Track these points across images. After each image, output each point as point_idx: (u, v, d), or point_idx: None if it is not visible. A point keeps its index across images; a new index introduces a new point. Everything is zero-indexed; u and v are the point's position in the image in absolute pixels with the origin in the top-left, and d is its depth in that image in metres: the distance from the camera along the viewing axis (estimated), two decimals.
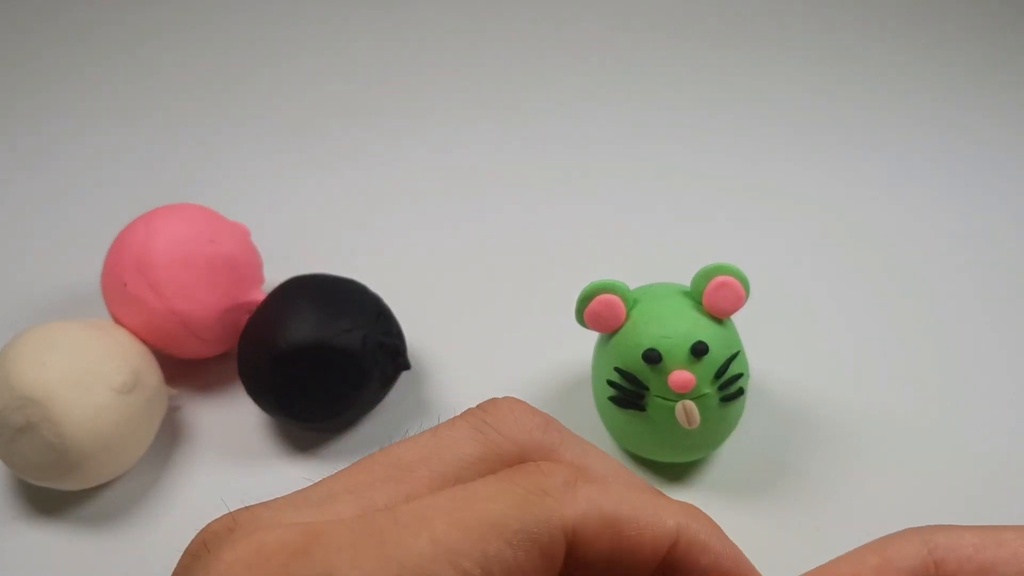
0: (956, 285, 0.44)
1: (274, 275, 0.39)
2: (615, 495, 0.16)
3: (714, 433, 0.33)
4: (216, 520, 0.16)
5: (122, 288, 0.35)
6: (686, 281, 0.33)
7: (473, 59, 0.62)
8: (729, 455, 0.36)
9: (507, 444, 0.18)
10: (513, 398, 0.19)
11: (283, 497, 0.16)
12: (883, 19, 0.67)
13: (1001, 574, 0.16)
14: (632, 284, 0.33)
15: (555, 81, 0.60)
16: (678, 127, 0.56)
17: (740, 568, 0.18)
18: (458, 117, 0.56)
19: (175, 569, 0.15)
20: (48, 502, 0.34)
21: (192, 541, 0.15)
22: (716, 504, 0.34)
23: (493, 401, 0.19)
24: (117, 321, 0.36)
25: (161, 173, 0.52)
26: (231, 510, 0.16)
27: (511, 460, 0.18)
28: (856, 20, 0.67)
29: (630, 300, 0.32)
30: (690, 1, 0.68)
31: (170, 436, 0.37)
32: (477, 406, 0.19)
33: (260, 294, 0.37)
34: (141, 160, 0.53)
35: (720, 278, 0.32)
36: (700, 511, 0.18)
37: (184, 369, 0.38)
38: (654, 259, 0.45)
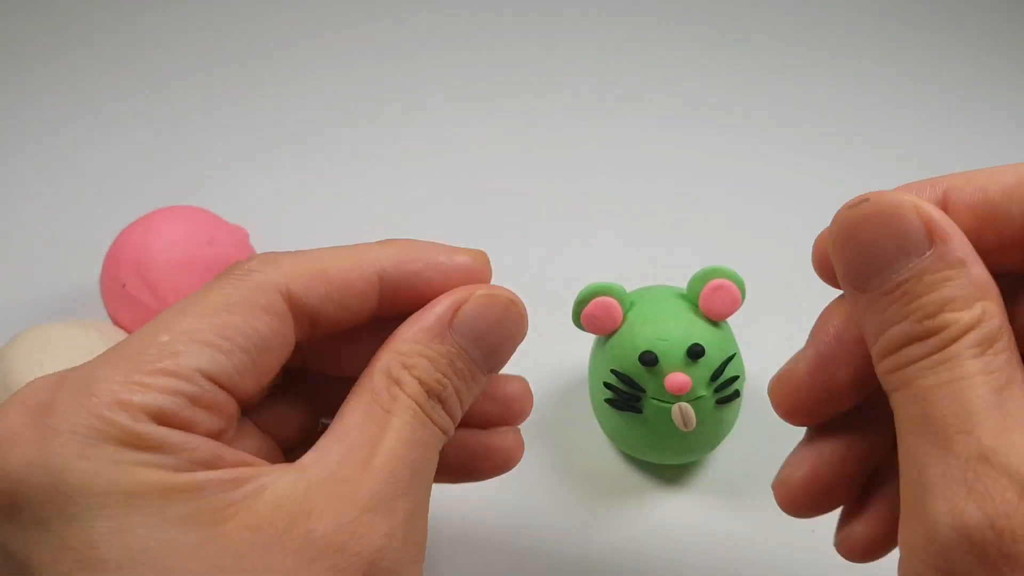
0: None
1: None
2: (317, 255, 0.21)
3: (710, 435, 0.33)
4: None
5: (121, 289, 0.35)
6: (682, 284, 0.33)
7: (472, 63, 0.62)
8: (725, 457, 0.36)
9: (270, 280, 0.21)
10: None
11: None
12: (883, 22, 0.67)
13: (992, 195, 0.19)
14: (629, 287, 0.34)
15: (553, 85, 0.60)
16: (675, 130, 0.56)
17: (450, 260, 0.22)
18: (457, 120, 0.57)
19: None
20: None
21: None
22: (712, 505, 0.34)
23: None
24: (115, 322, 0.36)
25: (160, 175, 0.52)
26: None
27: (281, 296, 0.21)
28: (855, 23, 0.67)
29: (627, 303, 0.33)
30: (689, 6, 0.68)
31: None
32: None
33: None
34: (140, 162, 0.53)
35: (716, 281, 0.32)
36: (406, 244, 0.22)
37: None
38: (651, 262, 0.45)
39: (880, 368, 0.18)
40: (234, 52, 0.63)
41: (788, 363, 0.21)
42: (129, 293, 0.35)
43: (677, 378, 0.31)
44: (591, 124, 0.56)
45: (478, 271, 0.23)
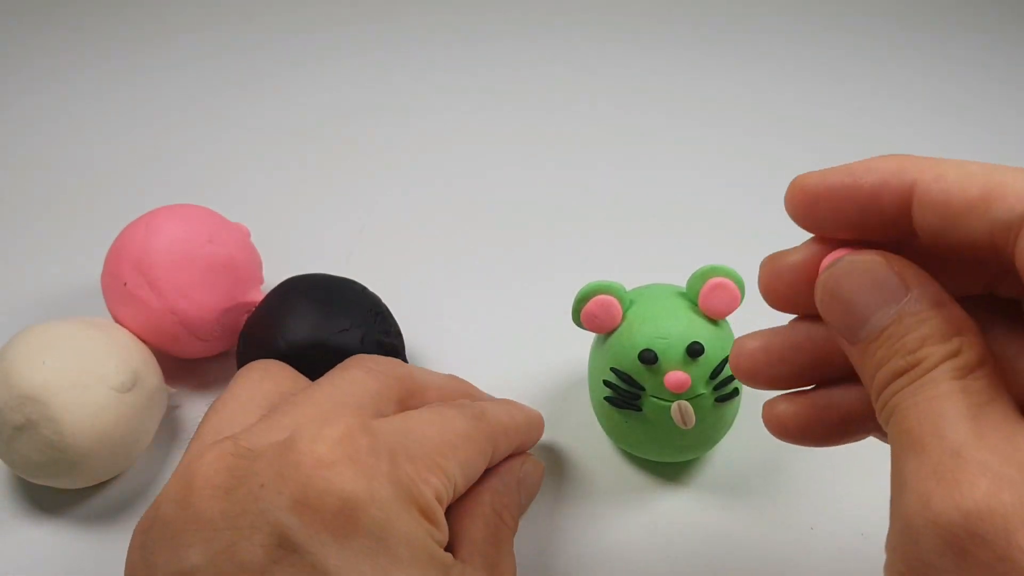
0: None
1: (273, 275, 0.39)
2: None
3: (709, 433, 0.33)
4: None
5: (122, 287, 0.35)
6: (682, 282, 0.33)
7: (472, 62, 0.62)
8: (724, 455, 0.36)
9: (391, 378, 0.28)
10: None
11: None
12: (885, 19, 0.67)
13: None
14: (628, 285, 0.34)
15: (554, 83, 0.60)
16: (675, 129, 0.56)
17: None
18: (458, 119, 0.57)
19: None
20: (47, 500, 0.34)
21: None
22: (711, 503, 0.34)
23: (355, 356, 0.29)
24: (117, 320, 0.36)
25: (161, 173, 0.52)
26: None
27: (398, 391, 0.28)
28: (857, 21, 0.67)
29: (626, 301, 0.33)
30: (689, 5, 0.68)
31: (169, 435, 0.37)
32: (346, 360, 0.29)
33: (259, 294, 0.37)
34: (141, 160, 0.53)
35: (716, 280, 0.32)
36: None
37: (183, 368, 0.39)
38: (650, 260, 0.45)
39: (876, 409, 0.19)
40: (236, 50, 0.63)
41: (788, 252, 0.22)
42: (130, 291, 0.35)
43: (676, 376, 0.31)
44: (591, 122, 0.56)
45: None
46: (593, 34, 0.65)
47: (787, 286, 0.22)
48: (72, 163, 0.53)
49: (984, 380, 0.17)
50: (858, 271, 0.19)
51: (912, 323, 0.18)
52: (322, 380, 0.27)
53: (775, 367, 0.23)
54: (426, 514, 0.23)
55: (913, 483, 0.16)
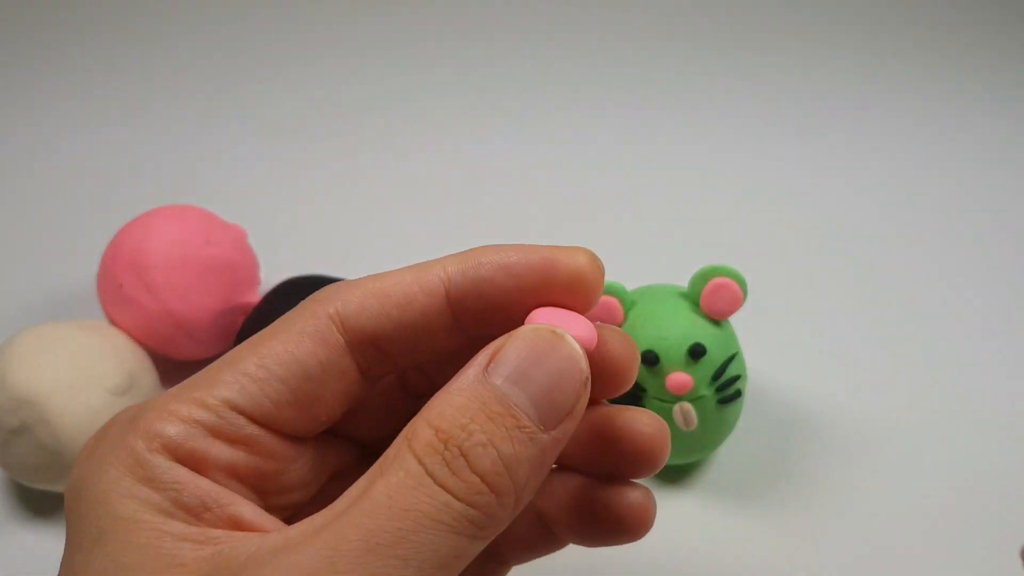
0: (955, 288, 0.44)
1: (270, 277, 0.39)
2: (379, 275, 0.20)
3: (712, 435, 0.33)
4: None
5: (118, 289, 0.35)
6: (684, 283, 0.33)
7: (471, 59, 0.62)
8: (726, 457, 0.36)
9: None
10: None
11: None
12: (885, 22, 0.67)
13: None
14: (630, 285, 0.33)
15: (554, 82, 0.60)
16: (676, 129, 0.56)
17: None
18: (456, 117, 0.56)
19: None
20: (43, 504, 0.34)
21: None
22: (713, 506, 0.34)
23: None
24: (112, 322, 0.36)
25: (158, 174, 0.52)
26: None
27: None
28: (858, 23, 0.67)
29: (628, 301, 0.32)
30: (690, 2, 0.68)
31: None
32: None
33: (256, 296, 0.37)
34: (138, 161, 0.53)
35: (718, 280, 0.32)
36: None
37: (180, 370, 0.38)
38: (652, 260, 0.45)
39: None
40: (230, 51, 0.63)
41: None
42: (126, 293, 0.35)
43: (678, 378, 0.31)
44: (592, 122, 0.56)
45: (566, 270, 0.18)
46: (595, 33, 0.65)
47: None
48: (68, 164, 0.52)
49: None
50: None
51: None
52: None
53: None
54: (134, 471, 0.16)
55: None
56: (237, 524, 0.17)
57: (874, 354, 0.41)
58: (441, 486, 0.15)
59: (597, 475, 0.20)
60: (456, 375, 0.17)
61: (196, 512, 0.16)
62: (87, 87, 0.59)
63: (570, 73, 0.61)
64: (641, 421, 0.20)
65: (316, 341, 0.18)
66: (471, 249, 0.19)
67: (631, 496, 0.20)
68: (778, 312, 0.42)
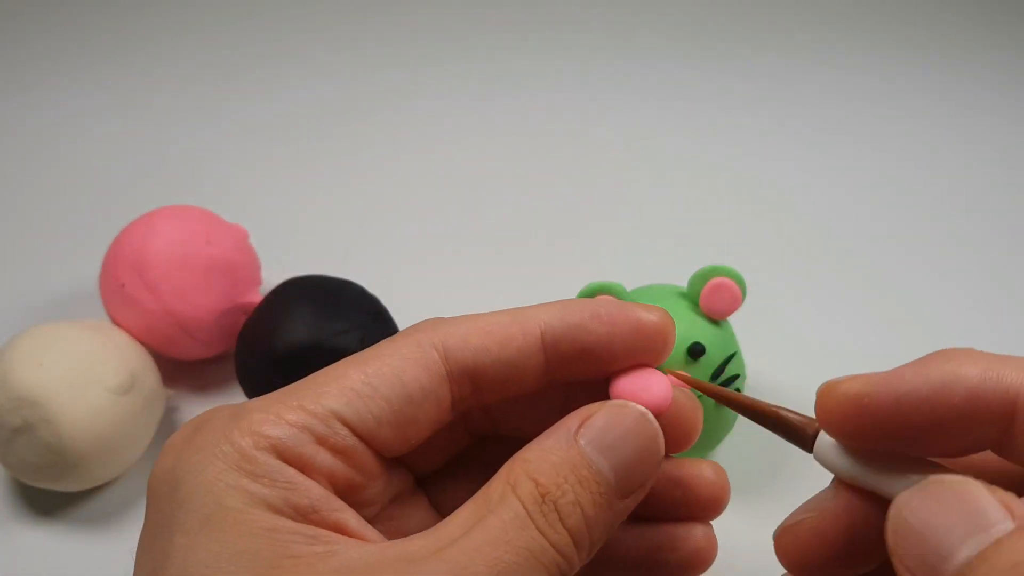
0: (954, 288, 0.44)
1: (272, 277, 0.39)
2: (479, 314, 0.21)
3: (710, 434, 0.33)
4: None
5: (120, 289, 0.35)
6: (683, 282, 0.33)
7: (471, 59, 0.62)
8: (725, 456, 0.36)
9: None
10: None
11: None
12: (883, 22, 0.67)
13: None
14: (629, 285, 0.33)
15: (554, 83, 0.60)
16: (676, 129, 0.56)
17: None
18: (456, 118, 0.56)
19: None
20: (45, 503, 0.34)
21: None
22: None
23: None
24: (114, 322, 0.36)
25: (160, 175, 0.52)
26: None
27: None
28: (856, 24, 0.67)
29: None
30: (690, 2, 0.68)
31: (167, 437, 0.37)
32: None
33: (257, 296, 0.37)
34: (139, 162, 0.53)
35: (717, 280, 0.32)
36: None
37: (181, 370, 0.38)
38: (651, 260, 0.45)
39: None
40: (232, 52, 0.63)
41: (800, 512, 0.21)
42: (128, 293, 0.35)
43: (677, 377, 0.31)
44: (592, 122, 0.56)
45: (652, 327, 0.20)
46: (595, 34, 0.65)
47: (816, 551, 0.21)
48: (70, 165, 0.52)
49: None
50: (948, 497, 0.16)
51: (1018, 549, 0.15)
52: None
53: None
54: (242, 466, 0.18)
55: None
56: (341, 529, 0.18)
57: (872, 353, 0.41)
58: (541, 532, 0.17)
59: (659, 519, 0.22)
60: (548, 431, 0.19)
61: (304, 512, 0.18)
62: (89, 87, 0.59)
63: (570, 73, 0.61)
64: (704, 472, 0.22)
65: (420, 367, 0.20)
66: (562, 300, 0.21)
67: (696, 533, 0.22)
68: (777, 312, 0.42)
